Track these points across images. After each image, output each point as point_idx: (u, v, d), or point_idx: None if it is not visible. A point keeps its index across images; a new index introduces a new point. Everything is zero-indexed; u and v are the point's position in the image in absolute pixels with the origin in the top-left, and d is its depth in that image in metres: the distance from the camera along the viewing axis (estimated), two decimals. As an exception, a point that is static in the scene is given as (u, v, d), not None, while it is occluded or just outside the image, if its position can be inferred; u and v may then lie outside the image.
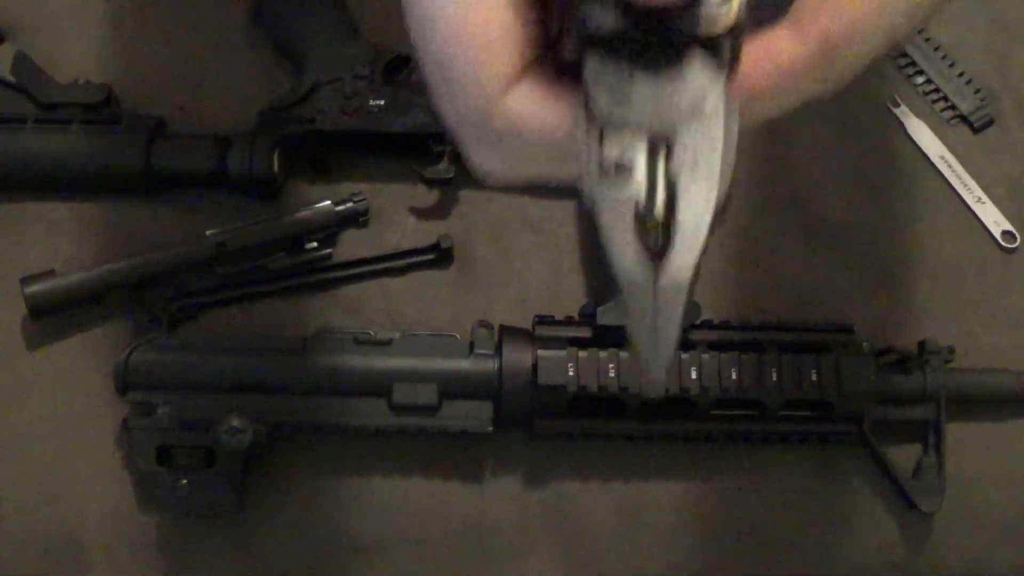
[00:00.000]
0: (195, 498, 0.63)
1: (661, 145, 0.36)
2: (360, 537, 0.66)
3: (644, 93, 0.36)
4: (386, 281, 0.71)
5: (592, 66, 0.37)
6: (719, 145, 0.36)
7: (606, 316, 0.64)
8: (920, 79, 0.77)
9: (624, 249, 0.36)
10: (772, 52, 0.40)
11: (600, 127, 0.37)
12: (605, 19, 0.36)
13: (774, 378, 0.63)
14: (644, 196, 0.36)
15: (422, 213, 0.72)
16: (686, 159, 0.36)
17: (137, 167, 0.69)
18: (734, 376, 0.63)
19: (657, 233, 0.36)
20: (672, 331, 0.37)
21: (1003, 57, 0.78)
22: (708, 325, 0.66)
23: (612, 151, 0.36)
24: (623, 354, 0.63)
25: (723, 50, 0.37)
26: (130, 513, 0.66)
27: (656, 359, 0.37)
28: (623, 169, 0.36)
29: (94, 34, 0.75)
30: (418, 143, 0.70)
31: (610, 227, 0.36)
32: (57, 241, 0.71)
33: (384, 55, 0.72)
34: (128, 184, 0.70)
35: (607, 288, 0.66)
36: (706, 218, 0.36)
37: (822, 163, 0.74)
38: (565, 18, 0.37)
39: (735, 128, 0.37)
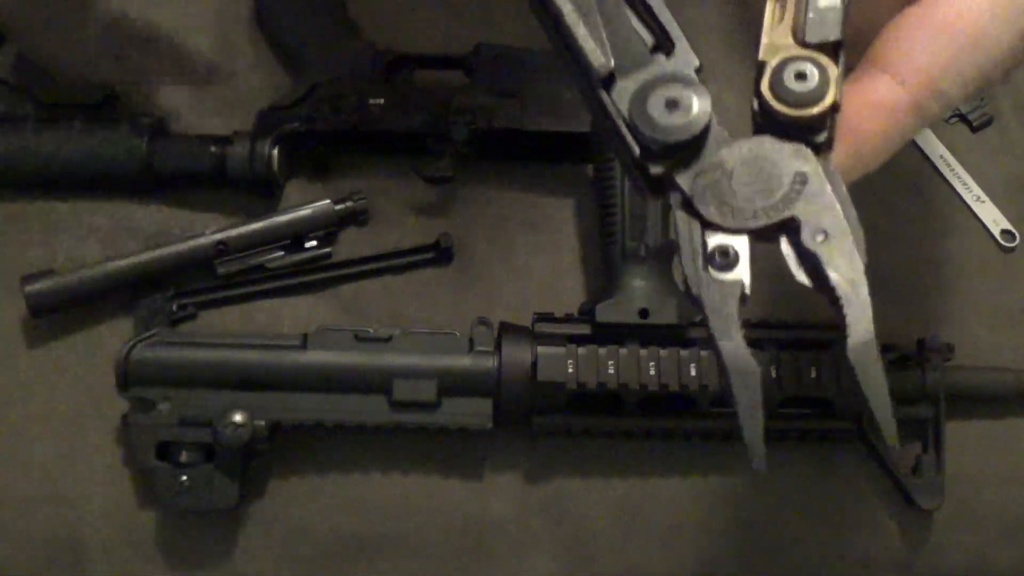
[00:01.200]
0: (195, 494, 0.63)
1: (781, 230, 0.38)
2: (359, 533, 0.66)
3: (744, 192, 0.38)
4: (386, 279, 0.71)
5: (685, 179, 0.38)
6: (840, 213, 0.38)
7: (605, 313, 0.64)
8: (919, 79, 0.77)
9: (733, 336, 0.38)
10: (874, 100, 0.40)
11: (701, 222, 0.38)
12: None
13: (773, 376, 0.64)
14: (748, 281, 0.38)
15: (422, 212, 0.72)
16: (815, 233, 0.38)
17: (137, 167, 0.69)
18: (734, 374, 0.63)
19: None
20: (885, 396, 0.39)
21: (1002, 57, 0.78)
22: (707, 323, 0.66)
23: (715, 240, 0.38)
24: (622, 351, 0.63)
25: (824, 130, 0.39)
26: (130, 510, 0.66)
27: (888, 424, 0.39)
28: (726, 256, 0.38)
29: (94, 34, 0.75)
30: (418, 142, 0.70)
31: (717, 314, 0.38)
32: (57, 241, 0.71)
33: (384, 55, 0.72)
34: (128, 184, 0.70)
35: (607, 286, 0.66)
36: (861, 278, 0.38)
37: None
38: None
39: (846, 193, 0.39)
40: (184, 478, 0.63)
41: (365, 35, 0.74)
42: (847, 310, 0.38)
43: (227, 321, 0.70)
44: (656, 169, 0.38)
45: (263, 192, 0.71)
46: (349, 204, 0.71)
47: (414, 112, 0.70)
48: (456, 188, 0.72)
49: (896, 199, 0.74)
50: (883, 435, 0.39)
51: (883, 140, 0.41)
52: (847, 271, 0.38)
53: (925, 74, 0.40)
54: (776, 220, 0.38)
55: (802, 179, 0.38)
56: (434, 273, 0.71)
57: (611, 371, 0.63)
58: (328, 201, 0.70)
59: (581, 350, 0.63)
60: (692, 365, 0.63)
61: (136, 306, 0.68)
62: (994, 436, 0.69)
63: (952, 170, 0.74)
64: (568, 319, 0.66)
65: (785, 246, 0.39)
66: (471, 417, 0.64)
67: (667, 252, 0.66)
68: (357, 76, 0.71)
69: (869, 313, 0.38)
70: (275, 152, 0.69)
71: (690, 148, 0.38)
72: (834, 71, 0.38)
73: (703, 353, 0.63)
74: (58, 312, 0.67)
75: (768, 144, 0.38)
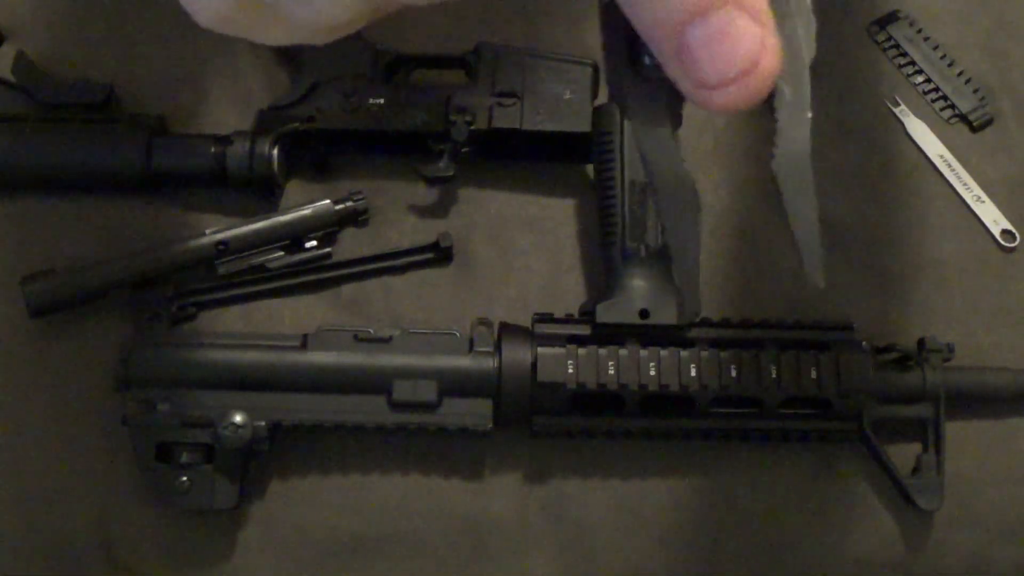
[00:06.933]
0: (195, 495, 0.63)
1: None
2: (359, 533, 0.66)
3: None
4: (386, 280, 0.71)
5: None
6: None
7: (605, 314, 0.64)
8: (920, 78, 0.77)
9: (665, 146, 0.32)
10: None
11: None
12: None
13: (773, 376, 0.63)
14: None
15: (422, 212, 0.72)
16: None
17: (137, 166, 0.69)
18: (733, 374, 0.63)
19: None
20: (814, 223, 0.32)
21: (1002, 57, 0.78)
22: (707, 323, 0.66)
23: (647, 56, 0.32)
24: (622, 351, 0.63)
25: None
26: (130, 511, 0.66)
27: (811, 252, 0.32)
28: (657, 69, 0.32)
29: (94, 34, 0.75)
30: (418, 142, 0.70)
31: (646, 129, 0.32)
32: (57, 241, 0.71)
33: (384, 54, 0.72)
34: (128, 183, 0.70)
35: (607, 286, 0.66)
36: (805, 74, 0.31)
37: (822, 163, 0.74)
38: None
39: None
40: (184, 479, 0.63)
41: (365, 35, 0.74)
42: (780, 112, 0.30)
43: (227, 321, 0.70)
44: None
45: (263, 192, 0.70)
46: (349, 204, 0.71)
47: (414, 112, 0.70)
48: (456, 188, 0.72)
49: (896, 199, 0.74)
50: (806, 269, 0.32)
51: None
52: (787, 63, 0.30)
53: None
54: None
55: None
56: (434, 273, 0.71)
57: (611, 371, 0.63)
58: (328, 201, 0.70)
59: (581, 351, 0.63)
60: (692, 366, 0.63)
61: (136, 306, 0.68)
62: (994, 436, 0.69)
63: (952, 169, 0.74)
64: (568, 319, 0.66)
65: None
66: (471, 418, 0.64)
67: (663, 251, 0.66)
68: (357, 76, 0.71)
69: (808, 117, 0.30)
70: (275, 152, 0.69)
71: None
72: None
73: (703, 354, 0.63)
74: (58, 312, 0.67)
75: None
